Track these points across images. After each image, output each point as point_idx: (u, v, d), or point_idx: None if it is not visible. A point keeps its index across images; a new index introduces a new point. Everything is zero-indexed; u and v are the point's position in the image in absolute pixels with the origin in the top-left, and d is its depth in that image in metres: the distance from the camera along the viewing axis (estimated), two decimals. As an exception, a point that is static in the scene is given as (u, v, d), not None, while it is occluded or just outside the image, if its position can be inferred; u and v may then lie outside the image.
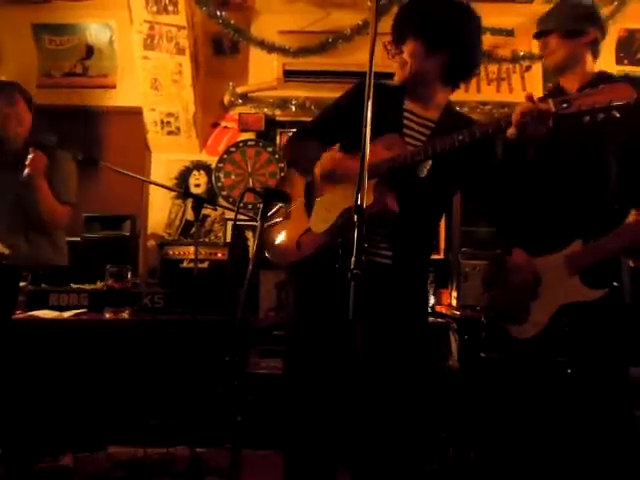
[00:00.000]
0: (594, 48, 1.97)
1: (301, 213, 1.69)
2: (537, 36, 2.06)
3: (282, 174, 1.92)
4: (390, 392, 1.59)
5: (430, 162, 1.56)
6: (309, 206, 1.68)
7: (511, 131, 1.44)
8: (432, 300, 3.54)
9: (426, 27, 1.61)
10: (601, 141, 1.85)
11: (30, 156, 2.46)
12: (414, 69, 1.64)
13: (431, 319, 3.18)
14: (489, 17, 3.80)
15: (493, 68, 3.78)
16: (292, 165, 1.85)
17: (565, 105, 1.36)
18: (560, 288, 1.83)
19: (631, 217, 1.97)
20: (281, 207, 1.72)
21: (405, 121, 1.68)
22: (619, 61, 4.06)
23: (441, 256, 3.98)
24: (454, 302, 3.38)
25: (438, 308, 3.42)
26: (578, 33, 1.93)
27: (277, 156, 3.98)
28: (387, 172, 1.52)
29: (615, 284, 1.80)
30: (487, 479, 2.35)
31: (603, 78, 1.85)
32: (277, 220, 1.73)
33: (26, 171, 2.45)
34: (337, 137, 1.73)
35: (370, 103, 1.17)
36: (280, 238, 1.72)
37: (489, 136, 1.49)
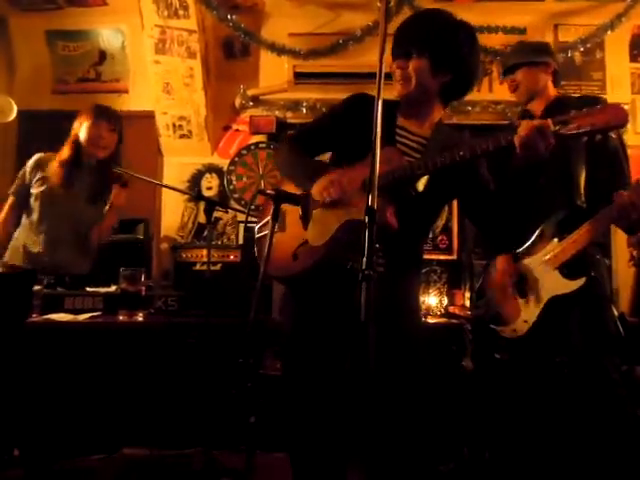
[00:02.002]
0: (555, 76, 2.30)
1: (297, 225, 1.67)
2: (506, 73, 2.33)
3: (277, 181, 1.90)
4: (396, 392, 1.58)
5: (427, 176, 1.57)
6: (305, 218, 1.66)
7: (518, 151, 1.45)
8: (445, 301, 3.52)
9: (435, 47, 1.60)
10: (571, 150, 2.12)
11: (115, 192, 2.80)
12: (419, 85, 1.63)
13: (444, 320, 3.17)
14: (502, 16, 3.80)
15: (505, 67, 3.82)
16: (282, 173, 1.84)
17: (564, 125, 1.40)
18: (545, 284, 2.05)
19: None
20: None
21: (398, 137, 1.68)
22: (633, 58, 4.03)
23: (454, 257, 3.97)
24: (467, 303, 3.35)
25: (451, 309, 3.40)
26: (542, 64, 2.26)
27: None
28: (387, 185, 1.51)
29: (592, 274, 2.01)
30: (502, 479, 2.34)
31: (564, 100, 2.23)
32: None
33: (109, 205, 2.82)
34: (329, 147, 1.77)
35: (380, 104, 1.16)
36: (275, 249, 1.67)
37: (489, 153, 1.49)
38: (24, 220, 2.86)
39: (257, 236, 1.76)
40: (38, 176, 2.84)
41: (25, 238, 2.82)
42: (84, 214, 2.83)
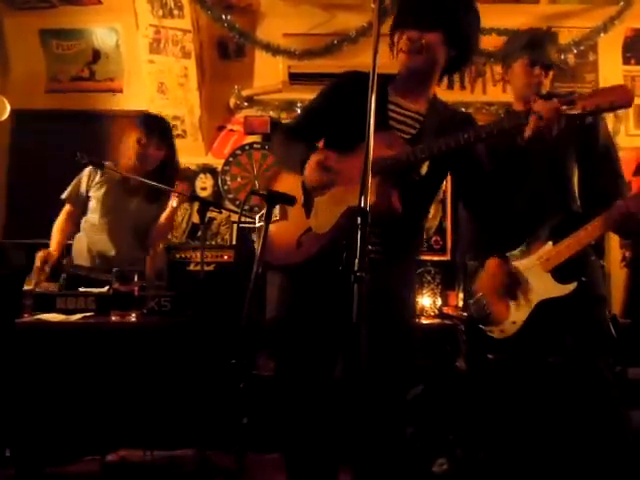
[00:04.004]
0: None
1: (299, 212, 1.66)
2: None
3: (274, 169, 1.90)
4: (387, 387, 1.58)
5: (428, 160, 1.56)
6: (307, 205, 1.65)
7: (527, 132, 1.45)
8: (439, 301, 3.53)
9: (451, 23, 1.59)
10: (562, 152, 2.08)
11: (174, 202, 2.86)
12: (429, 59, 1.62)
13: (438, 321, 3.17)
14: (495, 17, 3.80)
15: (499, 69, 3.75)
16: (280, 162, 1.83)
17: (570, 106, 1.38)
18: (535, 287, 2.04)
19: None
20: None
21: (390, 113, 1.66)
22: (626, 61, 4.04)
23: (448, 257, 3.98)
24: (461, 303, 3.36)
25: (445, 310, 3.41)
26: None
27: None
28: (391, 170, 1.51)
29: (583, 279, 1.99)
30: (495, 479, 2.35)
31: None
32: (273, 219, 1.70)
33: (172, 204, 2.88)
34: (322, 133, 1.75)
35: (374, 106, 1.16)
36: (277, 237, 1.69)
37: (495, 136, 1.48)
38: (84, 223, 2.96)
39: (257, 225, 1.75)
40: (97, 180, 2.94)
41: (88, 239, 2.93)
42: (142, 213, 2.94)
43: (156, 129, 2.93)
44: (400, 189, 1.52)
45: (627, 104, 1.38)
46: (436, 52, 1.61)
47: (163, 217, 2.95)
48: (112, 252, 2.90)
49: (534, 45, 2.13)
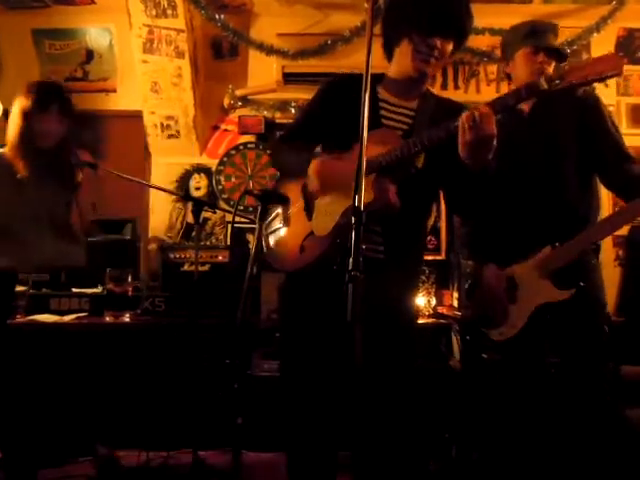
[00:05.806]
0: None
1: (301, 217, 1.66)
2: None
3: (277, 177, 1.90)
4: (387, 388, 1.58)
5: (424, 153, 1.54)
6: (308, 209, 1.65)
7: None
8: (434, 301, 3.53)
9: (465, 35, 1.64)
10: (558, 149, 2.05)
11: (80, 177, 2.47)
12: (441, 65, 1.67)
13: (433, 320, 3.18)
14: (488, 17, 3.81)
15: (492, 68, 3.77)
16: (281, 172, 1.84)
17: (558, 82, 1.38)
18: (535, 291, 2.01)
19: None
20: (278, 213, 1.70)
21: (382, 111, 1.66)
22: (618, 60, 4.06)
23: (442, 257, 3.98)
24: (455, 303, 3.37)
25: (440, 309, 3.41)
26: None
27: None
28: (385, 167, 1.51)
29: (581, 284, 1.95)
30: (489, 479, 2.35)
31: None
32: (277, 227, 1.71)
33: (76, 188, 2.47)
34: (318, 137, 1.74)
35: (367, 108, 1.16)
36: (281, 244, 1.70)
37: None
38: None
39: (265, 233, 1.75)
40: None
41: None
42: (48, 200, 2.50)
43: (55, 98, 2.40)
44: (398, 184, 1.51)
45: (617, 72, 1.34)
46: (446, 59, 1.65)
47: (80, 203, 2.53)
48: (32, 253, 2.45)
49: (537, 33, 2.10)
